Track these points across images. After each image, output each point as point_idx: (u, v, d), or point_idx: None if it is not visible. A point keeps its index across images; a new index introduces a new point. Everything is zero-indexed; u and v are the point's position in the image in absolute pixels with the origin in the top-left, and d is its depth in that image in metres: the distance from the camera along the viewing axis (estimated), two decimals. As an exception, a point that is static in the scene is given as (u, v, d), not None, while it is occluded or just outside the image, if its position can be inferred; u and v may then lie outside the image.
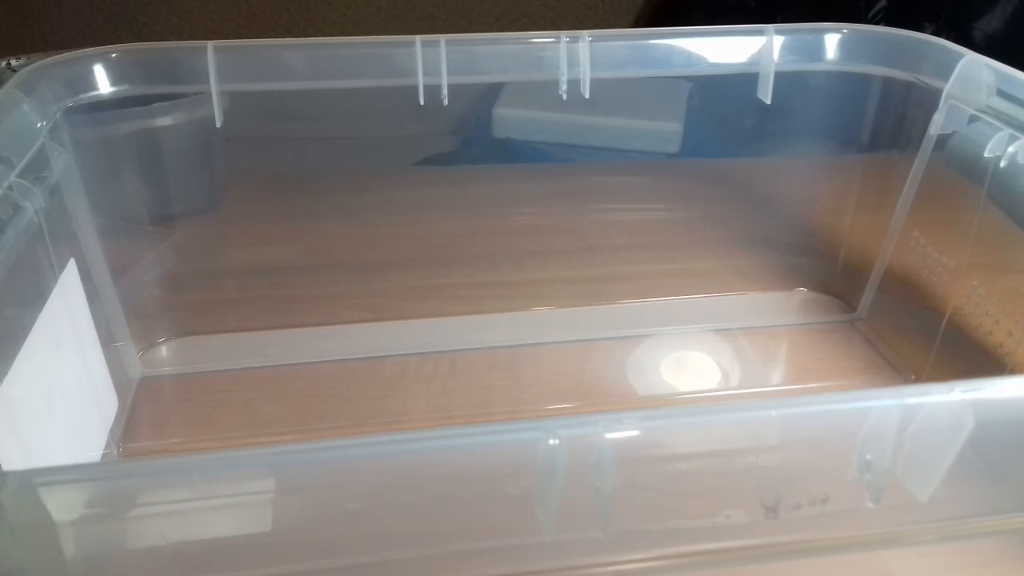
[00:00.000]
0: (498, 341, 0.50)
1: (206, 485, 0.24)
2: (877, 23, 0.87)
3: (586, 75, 0.45)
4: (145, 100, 0.45)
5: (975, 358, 0.44)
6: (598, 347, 0.51)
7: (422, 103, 0.44)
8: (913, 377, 0.48)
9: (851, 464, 0.25)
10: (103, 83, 0.43)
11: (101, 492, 0.23)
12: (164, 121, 0.49)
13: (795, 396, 0.40)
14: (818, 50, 0.48)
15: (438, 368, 0.49)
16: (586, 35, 0.45)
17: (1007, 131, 0.40)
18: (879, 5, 0.89)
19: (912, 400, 0.25)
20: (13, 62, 0.62)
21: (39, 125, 0.39)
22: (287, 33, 1.11)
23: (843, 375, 0.49)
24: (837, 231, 0.55)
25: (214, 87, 0.43)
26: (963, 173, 0.43)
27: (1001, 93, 0.42)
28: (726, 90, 0.50)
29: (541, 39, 0.45)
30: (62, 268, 0.40)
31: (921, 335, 0.48)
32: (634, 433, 0.25)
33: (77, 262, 0.41)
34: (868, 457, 0.25)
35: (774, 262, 0.56)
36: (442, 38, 0.44)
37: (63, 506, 0.23)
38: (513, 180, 0.59)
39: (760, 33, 0.47)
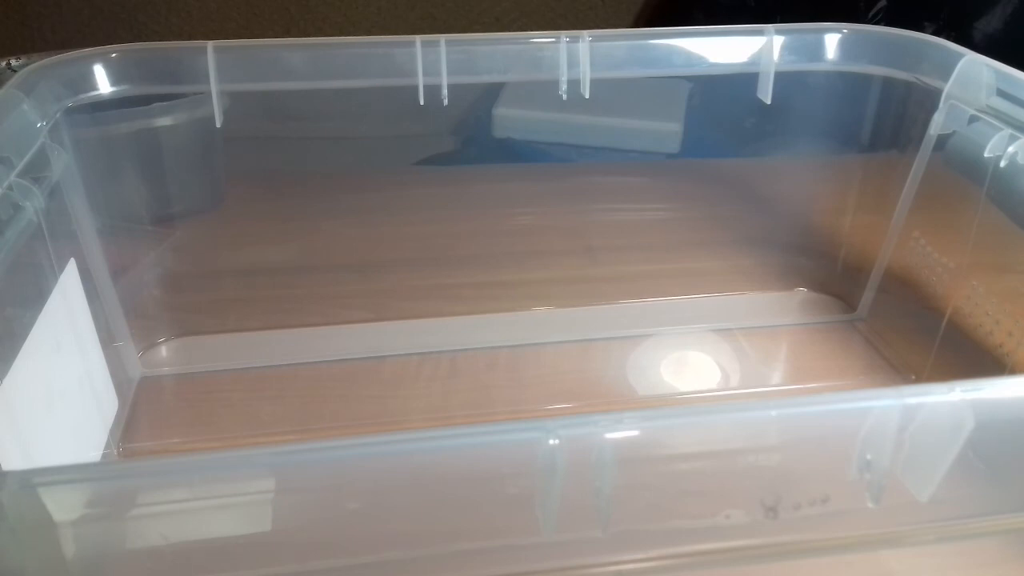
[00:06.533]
0: (498, 341, 0.50)
1: (206, 485, 0.24)
2: (877, 23, 0.87)
3: (586, 75, 0.45)
4: (145, 100, 0.45)
5: (975, 358, 0.44)
6: (598, 347, 0.51)
7: (422, 103, 0.44)
8: (913, 377, 0.48)
9: (851, 464, 0.25)
10: (103, 83, 0.43)
11: (101, 492, 0.23)
12: (164, 121, 0.49)
13: (795, 396, 0.40)
14: (818, 50, 0.48)
15: (438, 368, 0.49)
16: (586, 35, 0.45)
17: (1007, 131, 0.40)
18: (879, 5, 0.88)
19: (912, 400, 0.25)
20: (13, 62, 0.62)
21: (39, 125, 0.39)
22: (287, 33, 1.11)
23: (843, 375, 0.49)
24: (837, 231, 0.55)
25: (214, 87, 0.43)
26: (963, 173, 0.43)
27: (1001, 93, 0.42)
28: (726, 90, 0.50)
29: (541, 39, 0.45)
30: (62, 268, 0.40)
31: (921, 335, 0.48)
32: (634, 433, 0.25)
33: (77, 262, 0.41)
34: (868, 457, 0.25)
35: (774, 262, 0.56)
36: (442, 38, 0.44)
37: (63, 506, 0.23)
38: (513, 180, 0.59)
39: (760, 33, 0.47)
